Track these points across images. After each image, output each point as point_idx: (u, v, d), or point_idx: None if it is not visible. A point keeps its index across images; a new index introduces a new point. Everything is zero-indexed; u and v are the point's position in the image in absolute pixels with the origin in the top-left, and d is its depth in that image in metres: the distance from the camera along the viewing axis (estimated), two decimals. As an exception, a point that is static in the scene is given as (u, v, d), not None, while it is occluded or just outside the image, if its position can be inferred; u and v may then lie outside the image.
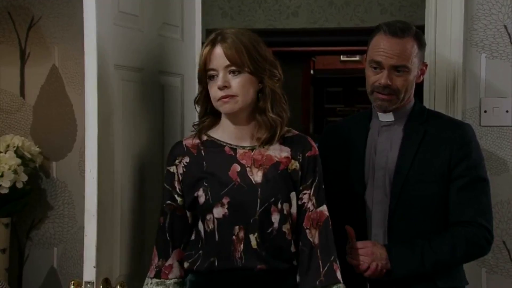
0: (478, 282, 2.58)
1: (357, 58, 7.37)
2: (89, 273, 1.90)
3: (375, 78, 2.15)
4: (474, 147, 2.18)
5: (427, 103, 2.63)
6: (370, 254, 2.08)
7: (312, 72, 7.31)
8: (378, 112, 2.22)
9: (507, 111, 2.59)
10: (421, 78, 2.23)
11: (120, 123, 2.12)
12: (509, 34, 2.58)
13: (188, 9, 2.53)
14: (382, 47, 2.12)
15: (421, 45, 2.18)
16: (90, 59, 1.95)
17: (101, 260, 1.95)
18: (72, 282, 1.90)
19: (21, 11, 2.78)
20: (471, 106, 2.60)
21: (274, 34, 4.55)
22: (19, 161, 2.64)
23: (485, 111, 2.60)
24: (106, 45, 2.00)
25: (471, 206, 2.11)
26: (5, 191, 2.58)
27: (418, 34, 2.17)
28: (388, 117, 2.21)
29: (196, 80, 2.55)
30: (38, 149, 2.75)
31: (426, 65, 2.24)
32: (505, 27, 2.58)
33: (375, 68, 2.15)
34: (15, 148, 2.66)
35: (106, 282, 1.92)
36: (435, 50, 2.61)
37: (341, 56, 7.44)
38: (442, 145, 2.14)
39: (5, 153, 2.63)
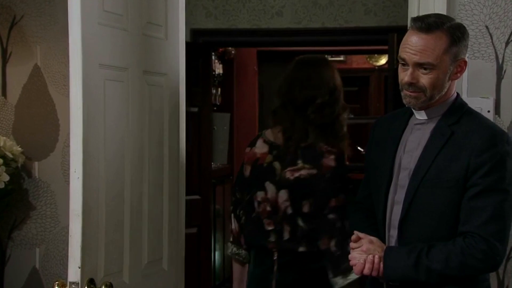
0: None
1: (341, 58, 7.41)
2: (74, 273, 1.89)
3: (402, 75, 2.04)
4: (498, 154, 1.97)
5: (410, 103, 2.65)
6: (365, 250, 2.03)
7: (296, 72, 7.32)
8: (414, 110, 2.11)
9: (488, 111, 2.61)
10: (459, 76, 2.07)
11: (104, 122, 2.11)
12: (490, 34, 2.61)
13: (172, 9, 2.52)
14: (408, 43, 2.02)
15: (456, 40, 2.01)
16: (75, 59, 1.94)
17: (86, 260, 1.94)
18: (57, 282, 1.88)
19: (3, 10, 2.76)
20: (454, 106, 2.63)
21: (258, 34, 4.57)
22: (0, 161, 2.61)
23: (467, 111, 2.62)
24: (91, 44, 2.00)
25: (477, 216, 1.96)
26: (-13, 191, 2.56)
27: (452, 28, 2.02)
28: (421, 115, 2.10)
29: (180, 79, 2.57)
30: (20, 149, 2.73)
31: (465, 62, 2.06)
32: (487, 27, 2.61)
33: (403, 64, 2.04)
34: (-4, 148, 2.64)
35: (91, 282, 1.91)
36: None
37: (325, 56, 7.46)
38: (464, 150, 1.99)
39: (-13, 153, 2.61)
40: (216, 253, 5.44)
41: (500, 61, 2.61)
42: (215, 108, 5.75)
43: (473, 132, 2.02)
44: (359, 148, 5.34)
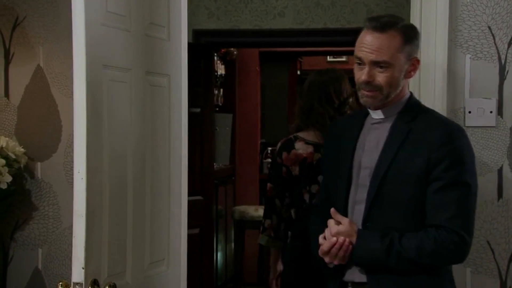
0: (462, 281, 2.60)
1: (343, 58, 7.40)
2: (77, 274, 1.89)
3: (359, 75, 2.09)
4: (457, 148, 2.06)
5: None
6: (343, 231, 2.05)
7: (298, 72, 7.33)
8: (369, 110, 2.17)
9: (491, 112, 2.61)
10: (412, 74, 2.14)
11: (108, 123, 2.11)
12: (493, 35, 2.61)
13: (174, 9, 2.52)
14: (363, 42, 2.07)
15: (409, 39, 2.09)
16: (78, 59, 1.94)
17: (90, 260, 1.94)
18: (60, 283, 1.88)
19: (5, 11, 2.76)
20: (456, 107, 2.63)
21: (260, 35, 4.57)
22: (3, 161, 2.62)
23: (470, 112, 2.62)
24: (94, 45, 2.00)
25: (444, 210, 2.01)
26: (-10, 191, 2.56)
27: (405, 28, 2.09)
28: (378, 114, 2.15)
29: (183, 80, 2.56)
30: (22, 149, 2.74)
31: (418, 61, 2.14)
32: (489, 28, 2.61)
33: (359, 64, 2.09)
34: (-1, 149, 2.65)
35: (95, 283, 1.91)
36: (420, 51, 2.62)
37: (328, 57, 7.48)
38: (423, 145, 2.05)
39: (-10, 153, 2.61)
40: (219, 253, 5.44)
41: (503, 61, 2.61)
42: (217, 109, 5.75)
43: (431, 128, 2.08)
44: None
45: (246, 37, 4.68)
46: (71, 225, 1.97)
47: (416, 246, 2.00)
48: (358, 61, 2.09)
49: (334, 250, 2.04)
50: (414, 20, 2.64)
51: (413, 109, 2.15)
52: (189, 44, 2.64)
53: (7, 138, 2.70)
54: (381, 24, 2.06)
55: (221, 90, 6.08)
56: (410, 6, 2.70)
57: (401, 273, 2.03)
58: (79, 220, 1.94)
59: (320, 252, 2.08)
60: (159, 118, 2.41)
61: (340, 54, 7.20)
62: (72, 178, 1.99)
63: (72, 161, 1.99)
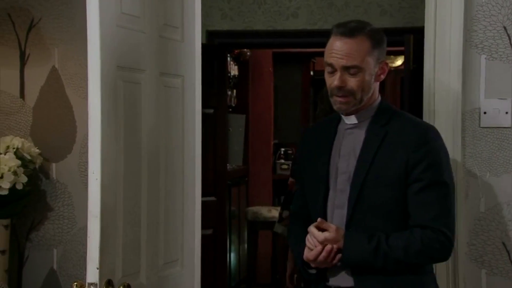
0: (478, 283, 2.59)
1: (356, 59, 7.37)
2: (92, 274, 1.90)
3: (330, 81, 2.11)
4: (434, 149, 2.10)
5: (427, 106, 2.64)
6: (330, 239, 2.06)
7: (311, 73, 7.32)
8: (342, 116, 2.19)
9: (506, 113, 2.60)
10: (382, 77, 2.16)
11: (122, 124, 2.12)
12: (508, 35, 2.59)
13: (188, 11, 2.53)
14: (333, 48, 2.09)
15: (377, 43, 2.12)
16: (93, 61, 1.95)
17: (104, 261, 1.95)
18: (75, 283, 1.89)
19: (21, 13, 2.78)
20: (471, 108, 2.61)
21: (273, 36, 4.56)
22: (19, 162, 2.63)
23: (485, 113, 2.60)
24: (109, 46, 2.01)
25: (427, 210, 2.06)
26: (5, 192, 2.58)
27: (372, 32, 2.12)
28: (351, 120, 2.17)
29: (196, 81, 2.57)
30: (38, 150, 2.75)
31: (387, 64, 2.17)
32: (505, 28, 2.59)
33: (329, 71, 2.11)
34: (14, 150, 2.66)
35: (109, 283, 1.92)
36: (435, 52, 2.61)
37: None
38: (400, 147, 2.09)
39: (5, 154, 2.63)
40: (232, 254, 5.44)
41: (519, 62, 2.58)
42: (230, 110, 5.75)
43: (406, 130, 2.12)
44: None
45: (259, 38, 4.68)
46: (86, 226, 1.98)
47: (403, 246, 2.05)
48: (329, 68, 2.11)
49: (321, 257, 2.08)
50: (429, 20, 2.63)
51: (386, 112, 2.18)
52: (202, 45, 2.64)
53: (22, 139, 2.72)
54: (350, 30, 2.09)
55: (234, 91, 6.09)
56: (424, 6, 2.68)
57: (387, 273, 2.08)
58: (94, 220, 1.95)
59: (306, 259, 2.11)
60: (173, 119, 2.42)
61: (353, 54, 7.17)
62: (87, 179, 2.00)
63: (87, 162, 2.01)
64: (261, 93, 6.47)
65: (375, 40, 2.12)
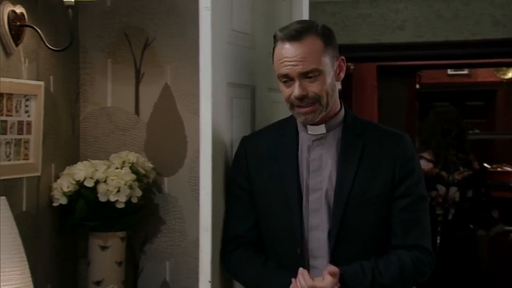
0: None
1: (465, 71, 7.15)
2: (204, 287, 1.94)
3: (288, 92, 1.92)
4: (417, 162, 1.99)
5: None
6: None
7: (417, 86, 7.16)
8: (308, 126, 1.99)
9: None
10: (342, 76, 2.00)
11: (231, 140, 2.15)
12: None
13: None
14: (284, 56, 1.91)
15: (328, 40, 1.94)
16: (204, 77, 2.00)
17: (216, 275, 1.98)
18: (189, 295, 1.94)
19: (137, 32, 2.90)
20: None
21: (379, 49, 4.50)
22: (134, 176, 2.72)
23: None
24: (219, 63, 2.05)
25: (414, 228, 1.93)
26: (122, 205, 2.67)
27: (321, 29, 1.93)
28: (319, 130, 1.97)
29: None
30: (151, 165, 2.84)
31: (343, 59, 1.99)
32: None
33: (285, 82, 1.93)
34: (130, 164, 2.76)
35: (221, 296, 1.95)
36: None
37: (448, 70, 7.24)
38: (384, 160, 1.93)
39: (121, 169, 2.73)
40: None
41: None
42: (334, 124, 5.71)
43: (385, 141, 1.95)
44: (485, 164, 5.23)
45: (364, 52, 4.63)
46: (197, 239, 2.02)
47: (397, 274, 1.90)
48: (283, 78, 1.93)
49: None
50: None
51: (354, 120, 2.02)
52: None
53: (137, 154, 2.81)
54: (296, 32, 1.90)
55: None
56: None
57: None
58: (205, 234, 1.98)
59: None
60: (281, 134, 2.43)
61: (462, 67, 6.95)
62: (197, 193, 2.04)
63: (197, 176, 2.04)
64: (364, 107, 6.40)
65: (326, 37, 1.94)
